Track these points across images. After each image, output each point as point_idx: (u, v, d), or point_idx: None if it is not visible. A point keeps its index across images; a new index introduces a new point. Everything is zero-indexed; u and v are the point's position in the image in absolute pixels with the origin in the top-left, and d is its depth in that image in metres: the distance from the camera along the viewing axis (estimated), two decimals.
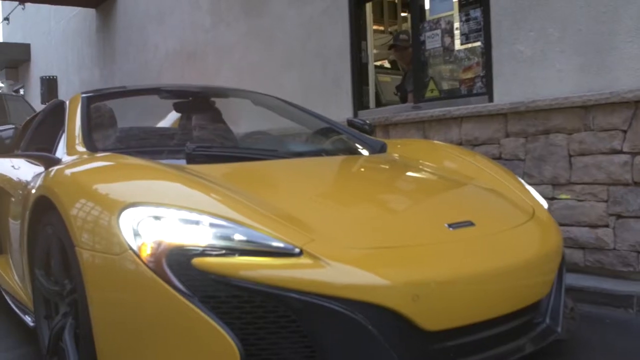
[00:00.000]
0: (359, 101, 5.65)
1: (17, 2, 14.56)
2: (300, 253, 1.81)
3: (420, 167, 2.91)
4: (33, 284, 2.51)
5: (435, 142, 3.98)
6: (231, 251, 1.79)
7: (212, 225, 1.84)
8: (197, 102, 3.69)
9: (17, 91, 16.60)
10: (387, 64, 7.35)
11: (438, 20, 4.92)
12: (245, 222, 1.88)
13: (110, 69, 10.81)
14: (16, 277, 2.94)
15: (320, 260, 1.80)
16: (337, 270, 1.79)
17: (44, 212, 2.32)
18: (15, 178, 3.22)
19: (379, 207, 2.39)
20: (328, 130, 3.50)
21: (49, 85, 11.71)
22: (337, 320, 1.76)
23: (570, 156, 3.85)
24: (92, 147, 2.77)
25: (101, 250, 1.88)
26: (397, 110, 5.21)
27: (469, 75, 4.71)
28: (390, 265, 1.89)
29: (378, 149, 3.15)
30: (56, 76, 12.22)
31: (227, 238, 1.82)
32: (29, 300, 2.62)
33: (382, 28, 6.80)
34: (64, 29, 13.19)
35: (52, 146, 3.04)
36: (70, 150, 2.77)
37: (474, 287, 1.93)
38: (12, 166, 3.37)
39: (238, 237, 1.83)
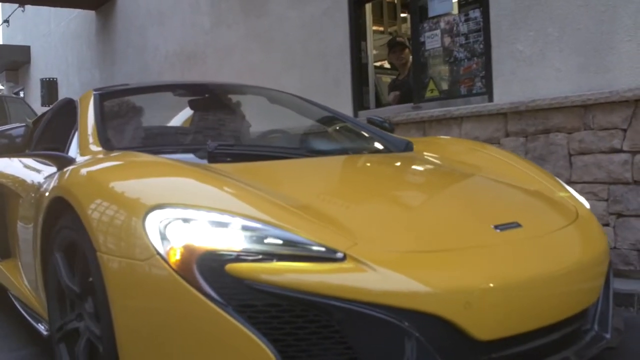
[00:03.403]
0: (359, 101, 5.66)
1: (17, 5, 14.57)
2: (344, 258, 1.67)
3: (453, 165, 2.76)
4: (46, 282, 2.36)
5: (462, 139, 3.83)
6: (268, 256, 1.65)
7: (246, 228, 1.71)
8: (213, 99, 3.56)
9: (17, 93, 16.60)
10: (387, 65, 7.36)
11: (437, 20, 4.93)
12: (282, 225, 1.73)
13: (110, 70, 10.81)
14: (26, 282, 2.80)
15: (365, 265, 1.66)
16: (384, 276, 1.66)
17: (60, 214, 2.18)
18: (25, 178, 3.06)
19: (418, 207, 2.23)
20: (350, 128, 3.36)
21: (49, 87, 11.73)
22: (384, 330, 1.63)
23: (570, 155, 3.86)
24: (108, 145, 2.61)
25: (125, 256, 1.75)
26: (398, 110, 5.21)
27: (469, 75, 4.71)
28: (439, 270, 1.76)
29: (403, 147, 2.98)
30: (56, 78, 12.24)
31: (264, 242, 1.69)
32: (41, 307, 2.49)
33: (381, 29, 6.81)
34: (64, 31, 13.20)
35: (62, 146, 2.90)
36: (85, 150, 2.62)
37: (527, 293, 1.80)
38: (22, 166, 3.21)
39: (275, 240, 1.69)
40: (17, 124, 3.00)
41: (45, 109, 10.58)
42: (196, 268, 1.63)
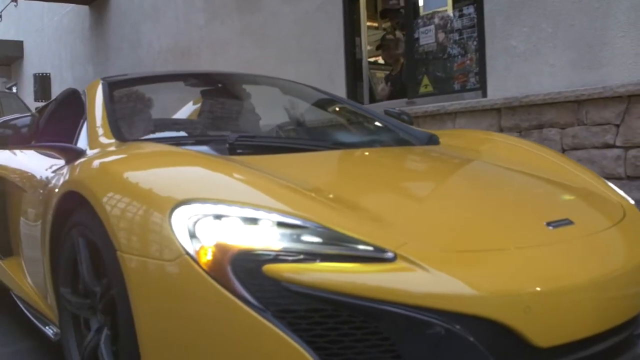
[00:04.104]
0: (353, 97, 5.66)
1: None
2: (394, 258, 1.51)
3: (487, 159, 2.58)
4: (57, 296, 2.17)
5: (491, 132, 3.65)
6: (310, 256, 1.49)
7: (284, 225, 1.54)
8: (227, 90, 3.37)
9: (10, 89, 16.54)
10: (381, 60, 7.37)
11: (432, 16, 4.94)
12: (325, 222, 1.57)
13: (104, 65, 10.78)
14: (30, 282, 2.65)
15: (418, 266, 1.50)
16: (439, 278, 1.50)
17: (72, 210, 2.00)
18: (29, 172, 2.88)
19: (464, 204, 2.04)
20: (371, 120, 3.15)
21: (42, 82, 11.71)
22: (439, 338, 1.47)
23: (564, 150, 3.88)
24: (120, 136, 2.42)
25: (150, 256, 1.59)
26: (391, 105, 5.21)
27: (463, 70, 4.73)
28: (496, 271, 1.61)
29: (426, 140, 2.79)
30: (49, 73, 12.22)
31: (305, 240, 1.53)
32: (47, 308, 2.34)
33: (375, 25, 6.83)
34: (57, 25, 13.14)
35: (68, 138, 2.74)
36: (95, 142, 2.43)
37: (587, 296, 1.66)
38: (26, 159, 3.04)
39: (318, 239, 1.54)
40: (23, 114, 2.77)
41: (39, 104, 10.57)
42: (230, 269, 1.47)
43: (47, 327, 2.35)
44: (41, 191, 2.48)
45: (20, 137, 2.59)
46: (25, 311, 2.66)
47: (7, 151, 3.29)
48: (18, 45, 15.81)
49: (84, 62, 11.75)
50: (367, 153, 2.61)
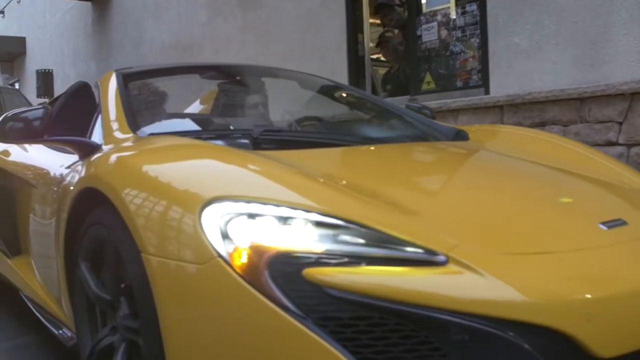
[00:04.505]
0: None
1: None
2: (446, 261, 1.39)
3: (525, 157, 2.42)
4: (71, 296, 2.06)
5: (524, 128, 3.46)
6: (354, 259, 1.37)
7: (325, 225, 1.43)
8: (245, 82, 3.23)
9: (12, 85, 16.55)
10: (383, 57, 7.36)
11: (434, 13, 4.93)
12: (369, 222, 1.45)
13: (107, 62, 10.78)
14: (40, 281, 2.53)
15: (472, 270, 1.38)
16: (495, 283, 1.37)
17: (90, 208, 1.87)
18: (39, 167, 2.76)
19: (512, 204, 1.90)
20: (394, 115, 2.98)
21: (45, 78, 11.72)
22: (495, 348, 1.35)
23: None
24: (137, 130, 2.30)
25: (178, 258, 1.47)
26: (394, 102, 5.22)
27: (466, 67, 4.72)
28: (555, 276, 1.48)
29: (452, 135, 2.64)
30: (52, 70, 12.23)
31: (348, 242, 1.41)
32: (62, 313, 2.21)
33: (378, 21, 6.82)
34: (60, 22, 13.15)
35: (78, 133, 2.61)
36: (111, 136, 2.29)
37: None
38: (35, 153, 2.91)
39: (362, 240, 1.41)
40: (35, 106, 2.60)
41: (41, 100, 10.58)
42: (268, 273, 1.35)
43: (60, 331, 2.25)
44: (55, 188, 2.35)
45: (32, 130, 2.41)
46: (36, 313, 2.55)
47: (13, 145, 3.14)
48: (21, 42, 15.82)
49: (87, 58, 11.75)
50: (398, 149, 2.46)
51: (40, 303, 2.50)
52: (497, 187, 2.06)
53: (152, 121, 2.59)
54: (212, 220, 1.43)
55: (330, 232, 1.42)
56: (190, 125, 2.82)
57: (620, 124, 3.61)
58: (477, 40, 4.57)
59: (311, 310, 1.33)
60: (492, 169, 2.32)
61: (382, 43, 5.87)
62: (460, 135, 2.64)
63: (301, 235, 1.40)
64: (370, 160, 2.26)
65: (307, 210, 1.45)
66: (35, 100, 10.47)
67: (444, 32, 4.88)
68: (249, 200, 1.47)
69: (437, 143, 2.60)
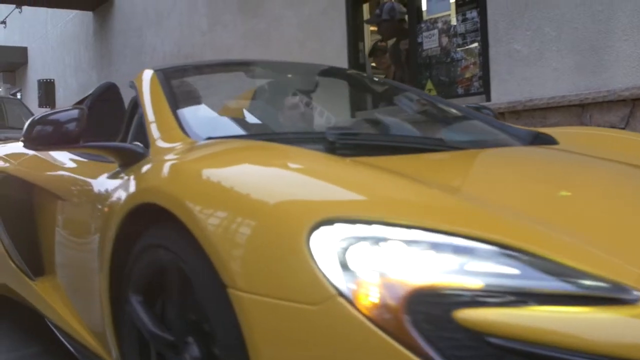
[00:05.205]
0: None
1: (13, 5, 14.57)
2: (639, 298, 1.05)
3: (632, 161, 2.00)
4: (116, 323, 1.72)
5: (614, 129, 3.15)
6: (520, 297, 1.04)
7: (477, 253, 1.09)
8: (298, 82, 2.91)
9: (14, 95, 16.60)
10: (377, 66, 7.39)
11: (435, 20, 4.94)
12: (532, 248, 1.11)
13: (108, 71, 10.81)
14: (73, 308, 2.19)
15: None
16: None
17: (147, 227, 1.54)
18: (69, 176, 2.46)
19: None
20: (465, 117, 2.64)
21: (47, 88, 11.73)
22: None
23: None
24: (192, 134, 1.93)
25: (281, 297, 1.14)
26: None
27: (467, 74, 4.72)
28: None
29: (531, 138, 2.28)
30: (53, 79, 12.24)
31: (509, 275, 1.07)
32: (99, 346, 1.92)
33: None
34: (61, 32, 13.19)
35: (108, 138, 2.33)
36: (159, 143, 1.94)
37: None
38: (60, 160, 2.56)
39: (529, 272, 1.08)
40: (67, 107, 2.17)
41: (43, 110, 10.60)
42: (408, 317, 1.04)
43: None
44: (93, 202, 2.05)
45: (65, 135, 2.00)
46: (68, 345, 2.18)
47: (33, 152, 2.74)
48: (22, 52, 15.87)
49: (88, 68, 11.78)
50: (498, 155, 2.07)
51: (71, 333, 2.16)
52: (629, 201, 1.64)
53: (205, 123, 2.15)
54: (324, 248, 1.11)
55: (485, 262, 1.09)
56: (250, 127, 2.44)
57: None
58: (478, 47, 4.57)
59: None
60: (617, 179, 1.90)
61: (374, 53, 5.89)
62: (540, 139, 2.29)
63: (445, 266, 1.08)
64: (478, 169, 1.91)
65: (449, 234, 1.12)
66: (36, 110, 10.48)
67: (444, 39, 4.89)
68: (368, 221, 1.14)
69: (535, 148, 2.23)
